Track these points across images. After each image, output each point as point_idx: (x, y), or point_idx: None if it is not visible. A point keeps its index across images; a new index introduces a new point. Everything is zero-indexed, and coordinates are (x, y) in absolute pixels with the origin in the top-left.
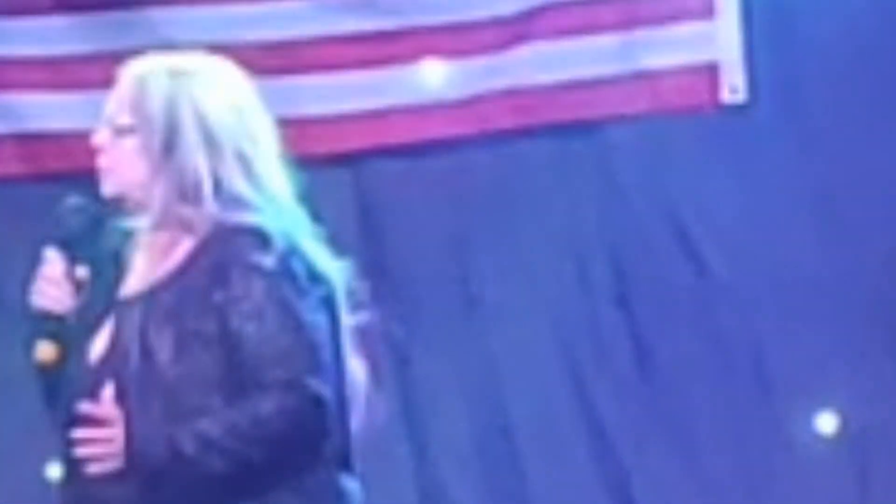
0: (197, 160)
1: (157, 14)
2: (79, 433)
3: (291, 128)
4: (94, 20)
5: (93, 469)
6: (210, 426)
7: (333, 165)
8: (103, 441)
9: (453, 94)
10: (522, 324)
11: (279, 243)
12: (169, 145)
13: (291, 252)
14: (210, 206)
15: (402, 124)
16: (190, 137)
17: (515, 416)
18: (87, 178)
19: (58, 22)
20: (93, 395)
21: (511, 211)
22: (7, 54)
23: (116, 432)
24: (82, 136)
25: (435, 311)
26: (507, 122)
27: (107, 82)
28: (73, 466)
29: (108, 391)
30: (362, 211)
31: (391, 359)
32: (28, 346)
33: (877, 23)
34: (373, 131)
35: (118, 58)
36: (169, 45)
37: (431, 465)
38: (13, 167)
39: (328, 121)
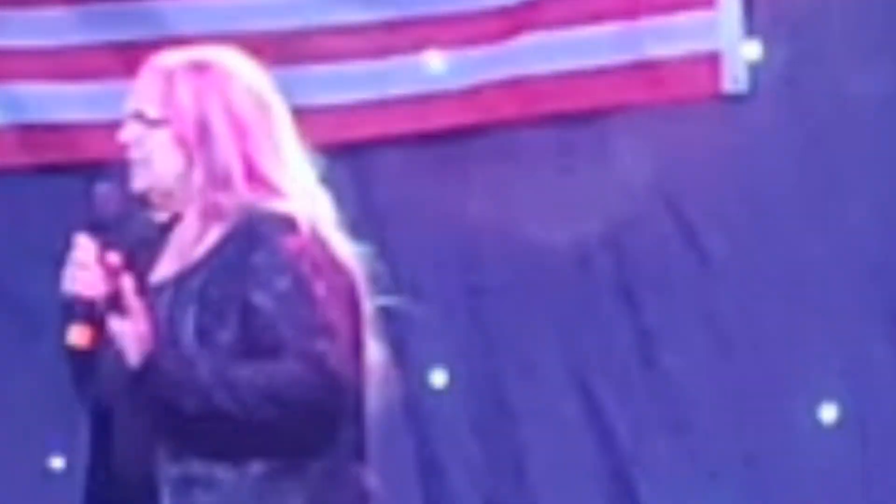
0: (228, 146)
1: (159, 4)
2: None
3: (294, 117)
4: (97, 10)
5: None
6: (229, 370)
7: (336, 155)
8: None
9: (456, 83)
10: (524, 313)
11: (305, 230)
12: (201, 133)
13: (316, 240)
14: (242, 190)
15: (405, 114)
16: (219, 125)
17: (517, 405)
18: (89, 169)
19: (60, 12)
20: (120, 379)
21: (513, 200)
22: (9, 44)
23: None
24: (84, 127)
25: (437, 301)
26: (509, 111)
27: (110, 73)
28: (102, 452)
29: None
30: (364, 201)
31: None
32: (61, 331)
33: (879, 13)
34: (375, 121)
35: (121, 48)
36: (171, 36)
37: (432, 455)
38: (15, 158)
39: (331, 111)
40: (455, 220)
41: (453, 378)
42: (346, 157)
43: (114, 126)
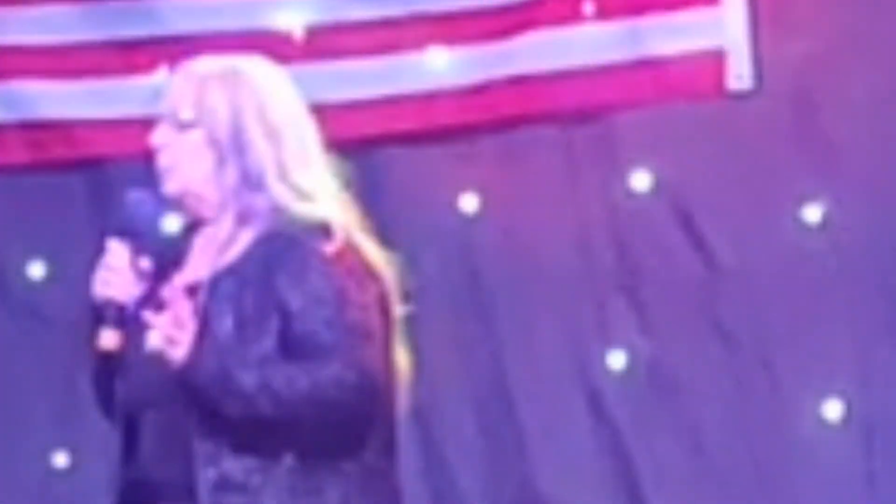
0: (261, 148)
1: (160, 2)
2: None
3: None
4: (99, 8)
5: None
6: (272, 373)
7: (340, 152)
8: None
9: (459, 81)
10: (528, 310)
11: (340, 235)
12: (235, 134)
13: (350, 246)
14: (275, 192)
15: (409, 112)
16: (253, 127)
17: (521, 404)
18: (91, 167)
19: (62, 10)
20: (150, 382)
21: (517, 198)
22: (11, 41)
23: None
24: (87, 125)
25: (441, 299)
26: (512, 109)
27: (111, 70)
28: (132, 454)
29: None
30: (369, 198)
31: None
32: (89, 335)
33: (882, 9)
34: (379, 119)
35: (123, 46)
36: (173, 34)
37: (437, 450)
38: (17, 155)
39: (334, 108)
40: (458, 217)
41: (458, 379)
42: (350, 153)
43: (115, 123)
